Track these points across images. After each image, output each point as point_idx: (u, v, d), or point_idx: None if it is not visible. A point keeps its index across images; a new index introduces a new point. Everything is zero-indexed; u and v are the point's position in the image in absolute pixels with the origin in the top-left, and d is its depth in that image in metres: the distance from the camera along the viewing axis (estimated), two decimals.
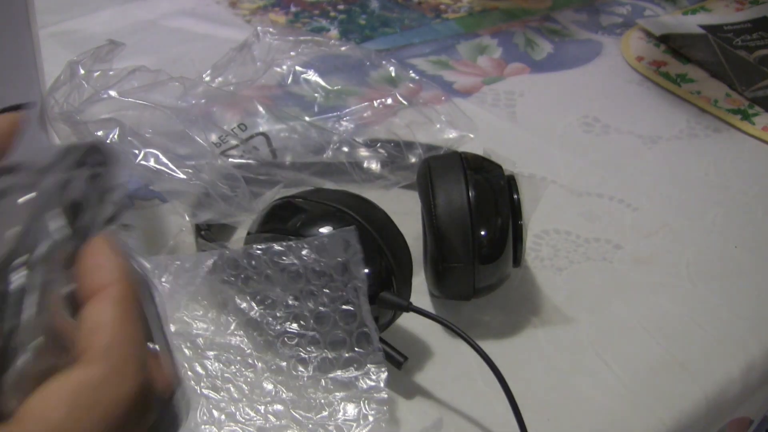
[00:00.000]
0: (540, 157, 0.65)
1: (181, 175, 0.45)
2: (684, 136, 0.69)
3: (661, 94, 0.75)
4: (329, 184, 0.53)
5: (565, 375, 0.46)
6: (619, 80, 0.77)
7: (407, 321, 0.46)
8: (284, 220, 0.43)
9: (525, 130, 0.68)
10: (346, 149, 0.55)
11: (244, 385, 0.41)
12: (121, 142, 0.46)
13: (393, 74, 0.61)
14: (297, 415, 0.40)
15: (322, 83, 0.59)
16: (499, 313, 0.49)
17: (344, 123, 0.57)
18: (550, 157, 0.65)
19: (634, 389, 0.45)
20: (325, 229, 0.41)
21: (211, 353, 0.42)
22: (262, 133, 0.56)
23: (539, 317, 0.49)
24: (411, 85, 0.62)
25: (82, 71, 0.49)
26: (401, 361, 0.42)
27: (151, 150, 0.46)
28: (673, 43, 0.82)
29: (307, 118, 0.57)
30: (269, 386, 0.41)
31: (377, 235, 0.42)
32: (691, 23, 0.86)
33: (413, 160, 0.55)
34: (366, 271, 0.41)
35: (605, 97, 0.74)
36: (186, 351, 0.42)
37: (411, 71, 0.63)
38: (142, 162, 0.46)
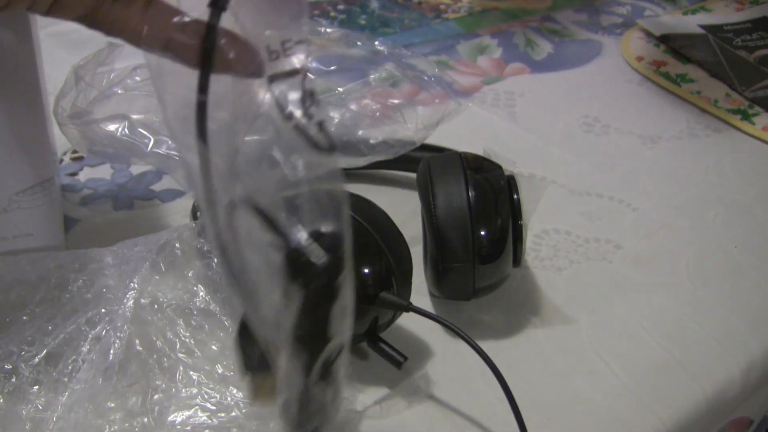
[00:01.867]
0: (540, 157, 0.65)
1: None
2: (684, 136, 0.69)
3: (661, 94, 0.75)
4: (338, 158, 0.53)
5: (565, 375, 0.46)
6: (619, 80, 0.77)
7: (407, 321, 0.46)
8: None
9: (525, 130, 0.68)
10: (348, 123, 0.55)
11: (215, 345, 0.42)
12: (132, 134, 0.46)
13: (393, 72, 0.61)
14: None
15: (321, 67, 0.60)
16: (499, 313, 0.49)
17: (344, 109, 0.57)
18: (550, 157, 0.65)
19: (634, 389, 0.45)
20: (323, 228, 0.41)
21: (181, 320, 0.43)
22: None
23: (539, 317, 0.49)
24: (411, 84, 0.62)
25: (86, 75, 0.50)
26: (401, 361, 0.42)
27: (161, 137, 0.46)
28: (673, 43, 0.82)
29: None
30: None
31: (377, 235, 0.42)
32: (691, 23, 0.86)
33: (410, 133, 0.55)
34: (366, 271, 0.41)
35: (605, 97, 0.74)
36: (157, 321, 0.43)
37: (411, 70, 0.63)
38: (155, 149, 0.46)
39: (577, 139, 0.68)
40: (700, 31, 0.84)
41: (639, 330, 0.49)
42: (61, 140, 0.50)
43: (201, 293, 0.44)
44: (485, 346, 0.40)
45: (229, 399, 0.40)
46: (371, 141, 0.55)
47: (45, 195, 0.46)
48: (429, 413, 0.43)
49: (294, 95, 0.27)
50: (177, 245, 0.45)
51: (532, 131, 0.68)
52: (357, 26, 0.83)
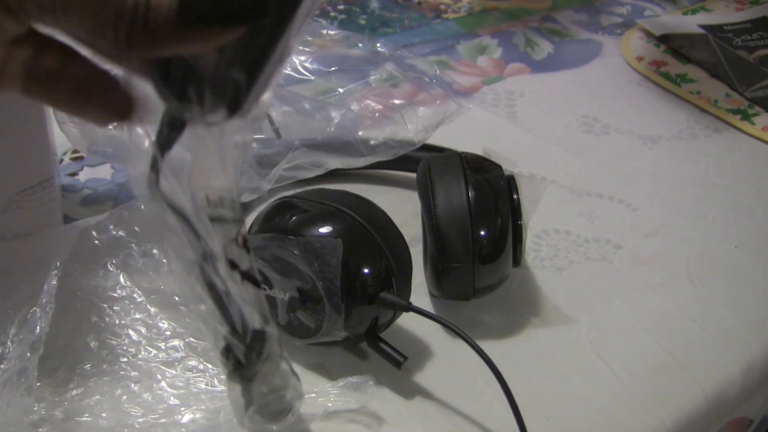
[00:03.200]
0: (540, 157, 0.65)
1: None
2: (684, 136, 0.69)
3: (661, 94, 0.75)
4: (335, 160, 0.53)
5: (565, 375, 0.46)
6: (619, 80, 0.77)
7: (407, 321, 0.46)
8: (283, 220, 0.43)
9: (525, 130, 0.68)
10: (348, 123, 0.55)
11: (142, 328, 0.44)
12: (132, 135, 0.46)
13: (393, 72, 0.61)
14: (193, 343, 0.44)
15: (322, 68, 0.60)
16: (499, 313, 0.49)
17: (344, 109, 0.58)
18: (550, 157, 0.65)
19: (634, 389, 0.45)
20: (324, 230, 0.41)
21: (105, 305, 0.45)
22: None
23: (539, 317, 0.49)
24: (411, 85, 0.62)
25: None
26: (401, 361, 0.42)
27: None
28: (673, 43, 0.82)
29: (307, 101, 0.57)
30: (164, 325, 0.44)
31: (377, 235, 0.42)
32: (691, 23, 0.86)
33: (411, 134, 0.55)
34: (366, 271, 0.41)
35: (605, 97, 0.74)
36: (82, 307, 0.44)
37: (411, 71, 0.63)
38: None
39: (577, 139, 0.68)
40: (700, 31, 0.84)
41: (639, 330, 0.49)
42: (61, 140, 0.50)
43: (122, 281, 0.46)
44: (485, 346, 0.40)
45: (150, 363, 0.42)
46: (371, 142, 0.55)
47: (45, 195, 0.46)
48: (429, 413, 0.43)
49: (230, 238, 0.32)
50: (94, 234, 0.47)
51: (532, 131, 0.68)
52: (357, 26, 0.83)
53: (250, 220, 0.45)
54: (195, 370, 0.42)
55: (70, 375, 0.41)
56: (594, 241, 0.56)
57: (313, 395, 0.41)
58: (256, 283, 0.33)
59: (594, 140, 0.68)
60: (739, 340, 0.49)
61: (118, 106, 0.28)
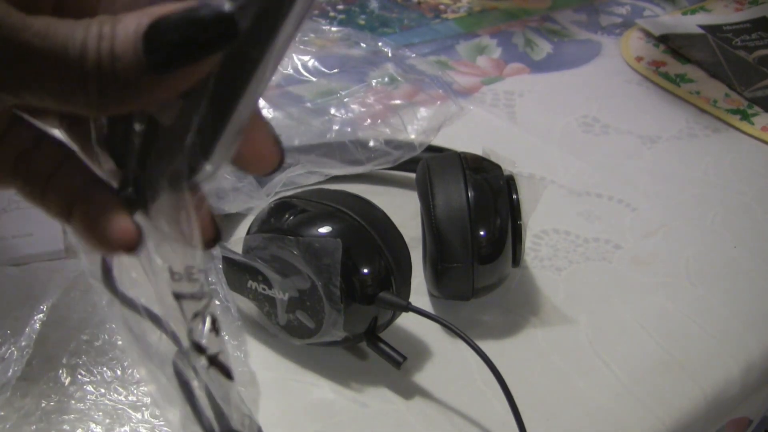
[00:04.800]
0: (540, 157, 0.65)
1: None
2: (683, 136, 0.69)
3: (660, 94, 0.75)
4: (334, 165, 0.53)
5: (565, 375, 0.46)
6: (619, 80, 0.77)
7: (406, 321, 0.46)
8: (283, 220, 0.43)
9: (524, 130, 0.68)
10: (348, 129, 0.55)
11: (117, 369, 0.43)
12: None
13: (393, 74, 0.61)
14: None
15: (323, 69, 0.60)
16: (498, 313, 0.49)
17: (344, 110, 0.57)
18: (550, 157, 0.65)
19: (634, 389, 0.45)
20: (324, 230, 0.41)
21: (86, 338, 0.44)
22: None
23: (538, 317, 0.49)
24: (411, 85, 0.62)
25: None
26: (400, 361, 0.42)
27: None
28: (672, 44, 0.82)
29: (307, 104, 0.57)
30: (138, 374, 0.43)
31: (376, 235, 0.42)
32: (690, 23, 0.86)
33: (413, 135, 0.55)
34: (365, 271, 0.41)
35: (605, 97, 0.74)
36: (60, 338, 0.43)
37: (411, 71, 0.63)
38: None
39: (576, 139, 0.68)
40: (700, 31, 0.84)
41: (638, 330, 0.49)
42: None
43: (110, 318, 0.44)
44: (484, 346, 0.40)
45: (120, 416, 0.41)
46: (371, 143, 0.55)
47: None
48: (428, 413, 0.43)
49: (198, 321, 0.28)
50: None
51: (531, 131, 0.68)
52: (356, 26, 0.83)
53: (249, 220, 0.45)
54: (162, 418, 0.40)
55: (34, 409, 0.40)
56: (593, 241, 0.56)
57: None
58: (226, 373, 0.29)
59: (593, 140, 0.68)
60: (739, 340, 0.49)
61: (111, 235, 0.25)
